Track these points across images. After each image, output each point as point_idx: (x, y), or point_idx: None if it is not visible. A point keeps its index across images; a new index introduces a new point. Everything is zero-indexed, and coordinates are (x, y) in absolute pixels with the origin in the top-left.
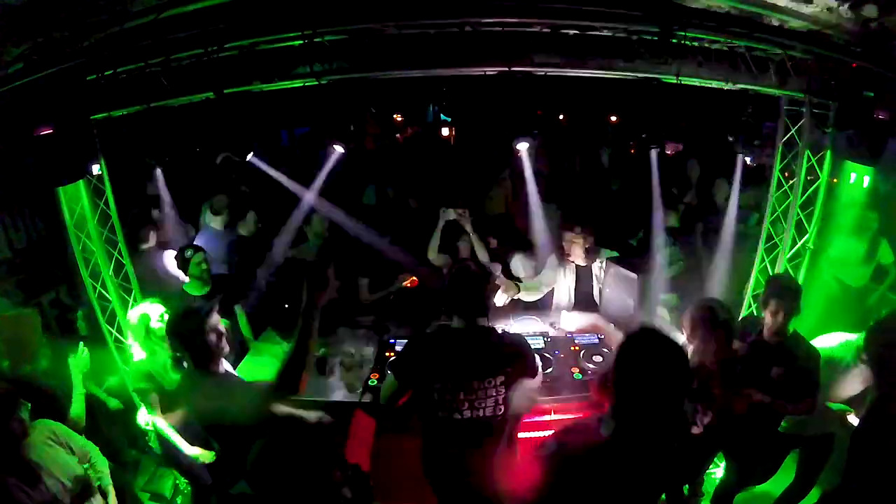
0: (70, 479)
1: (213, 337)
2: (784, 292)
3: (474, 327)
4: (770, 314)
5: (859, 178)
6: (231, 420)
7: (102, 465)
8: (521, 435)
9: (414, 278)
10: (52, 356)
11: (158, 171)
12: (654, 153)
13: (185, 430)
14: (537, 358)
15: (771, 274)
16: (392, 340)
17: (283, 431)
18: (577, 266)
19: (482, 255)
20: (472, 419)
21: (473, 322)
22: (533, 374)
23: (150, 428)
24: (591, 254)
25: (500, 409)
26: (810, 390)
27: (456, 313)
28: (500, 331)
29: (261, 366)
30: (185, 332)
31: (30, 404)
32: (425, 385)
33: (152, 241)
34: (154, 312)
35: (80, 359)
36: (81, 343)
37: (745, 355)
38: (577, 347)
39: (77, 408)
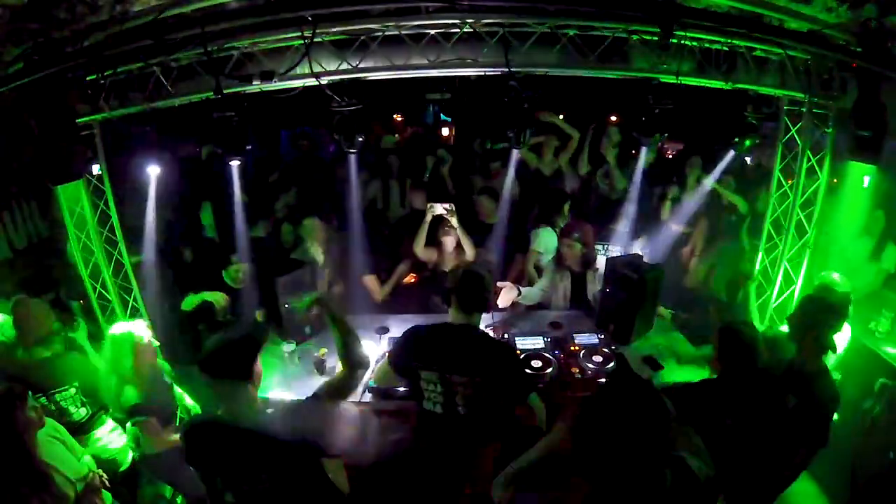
0: (76, 475)
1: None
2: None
3: (468, 325)
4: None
5: (859, 177)
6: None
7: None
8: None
9: (413, 274)
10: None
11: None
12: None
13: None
14: (524, 374)
15: (771, 274)
16: (392, 340)
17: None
18: (572, 271)
19: (468, 250)
20: (449, 414)
21: (469, 317)
22: (518, 388)
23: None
24: (586, 261)
25: (475, 409)
26: None
27: (456, 306)
28: (492, 335)
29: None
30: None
31: (31, 392)
32: (413, 373)
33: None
34: (143, 333)
35: (81, 330)
36: (77, 317)
37: None
38: (577, 347)
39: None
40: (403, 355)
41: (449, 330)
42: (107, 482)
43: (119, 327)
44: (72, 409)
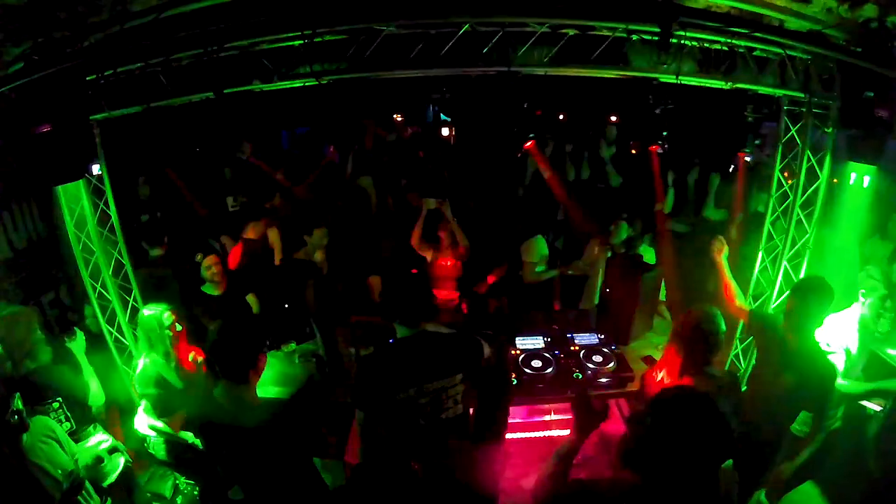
0: (65, 476)
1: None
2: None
3: (419, 334)
4: None
5: (859, 178)
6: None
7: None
8: (518, 435)
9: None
10: (53, 353)
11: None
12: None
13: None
14: (485, 346)
15: (771, 274)
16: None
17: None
18: (613, 250)
19: (462, 242)
20: (437, 421)
21: (417, 327)
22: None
23: (148, 433)
24: (629, 242)
25: (462, 408)
26: None
27: (399, 321)
28: (445, 332)
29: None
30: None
31: (19, 393)
32: (387, 401)
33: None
34: (166, 315)
35: (79, 342)
36: (76, 328)
37: None
38: (577, 347)
39: (95, 393)
40: (371, 392)
41: (406, 344)
42: (90, 490)
43: (151, 309)
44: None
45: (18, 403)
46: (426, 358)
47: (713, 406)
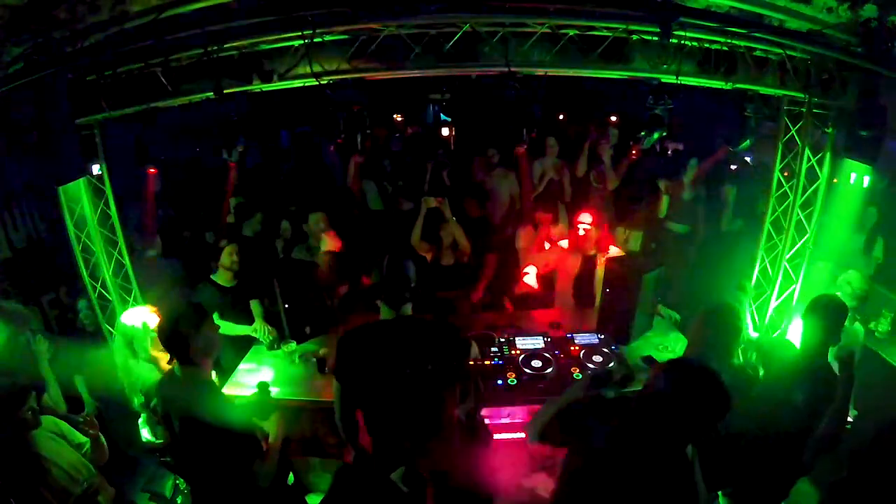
0: (75, 470)
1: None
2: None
3: (402, 317)
4: None
5: (859, 177)
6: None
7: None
8: (517, 435)
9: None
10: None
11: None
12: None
13: None
14: (473, 346)
15: (771, 274)
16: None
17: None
18: (584, 254)
19: (462, 241)
20: (410, 409)
21: (400, 311)
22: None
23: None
24: (598, 245)
25: (435, 398)
26: None
27: (385, 302)
28: (430, 320)
29: (260, 365)
30: (185, 329)
31: (35, 392)
32: (364, 380)
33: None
34: (152, 319)
35: (39, 345)
36: (39, 335)
37: None
38: (577, 347)
39: (51, 393)
40: (349, 365)
41: (385, 327)
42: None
43: (130, 316)
44: None
45: (33, 402)
46: (403, 342)
47: (716, 378)
